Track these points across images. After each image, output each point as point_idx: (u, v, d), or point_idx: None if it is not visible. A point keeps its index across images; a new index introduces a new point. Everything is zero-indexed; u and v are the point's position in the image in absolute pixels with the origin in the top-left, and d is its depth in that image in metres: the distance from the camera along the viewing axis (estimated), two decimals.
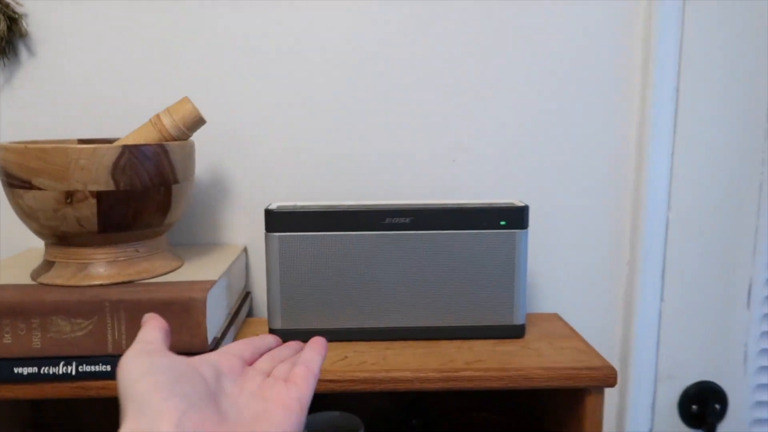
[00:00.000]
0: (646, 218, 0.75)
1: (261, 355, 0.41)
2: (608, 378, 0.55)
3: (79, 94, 0.70)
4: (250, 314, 0.74)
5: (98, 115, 0.71)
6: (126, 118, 0.68)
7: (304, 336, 0.61)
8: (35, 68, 0.70)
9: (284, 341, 0.61)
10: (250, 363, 0.39)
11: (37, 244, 0.72)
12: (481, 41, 0.72)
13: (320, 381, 0.55)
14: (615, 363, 0.78)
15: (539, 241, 0.75)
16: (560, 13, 0.71)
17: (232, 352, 0.38)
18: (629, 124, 0.74)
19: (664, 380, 0.78)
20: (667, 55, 0.72)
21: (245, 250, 0.73)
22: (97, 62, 0.70)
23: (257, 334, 0.64)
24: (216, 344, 0.55)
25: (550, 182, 0.75)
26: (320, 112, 0.72)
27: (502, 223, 0.62)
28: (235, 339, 0.63)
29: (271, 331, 0.62)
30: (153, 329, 0.36)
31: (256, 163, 0.72)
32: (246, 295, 0.72)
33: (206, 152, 0.72)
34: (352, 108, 0.72)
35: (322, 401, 0.72)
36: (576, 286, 0.77)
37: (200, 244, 0.73)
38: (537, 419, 0.73)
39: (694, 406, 0.79)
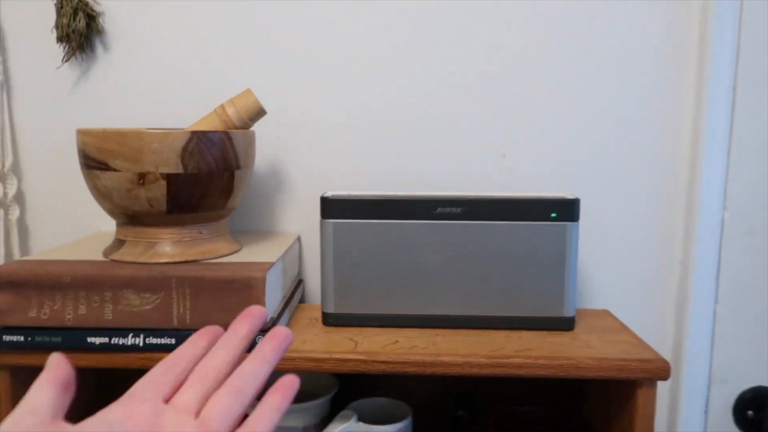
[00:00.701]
0: (700, 217, 0.74)
1: (194, 365, 0.33)
2: (661, 371, 0.55)
3: (148, 87, 0.75)
4: (302, 301, 0.77)
5: (166, 106, 0.75)
6: (191, 110, 0.71)
7: (355, 321, 0.63)
8: (109, 63, 0.74)
9: (334, 324, 0.64)
10: (173, 391, 0.31)
11: (105, 227, 0.76)
12: (533, 37, 0.72)
13: (372, 362, 0.56)
14: None
15: (589, 238, 0.75)
16: (614, 9, 0.72)
17: (145, 393, 0.30)
18: (684, 120, 0.73)
19: (718, 384, 0.77)
20: (724, 51, 0.71)
21: (299, 238, 0.76)
22: (164, 57, 0.74)
23: (309, 319, 0.66)
24: (273, 324, 0.58)
25: (601, 179, 0.74)
26: (374, 106, 0.74)
27: (553, 215, 0.62)
28: (289, 323, 0.65)
29: (324, 315, 0.64)
30: (45, 387, 0.28)
31: (311, 155, 0.75)
32: (299, 283, 0.74)
33: (263, 144, 0.75)
34: (405, 103, 0.74)
35: (371, 387, 0.73)
36: (626, 285, 0.76)
37: (256, 231, 0.76)
38: (584, 415, 0.73)
39: (749, 412, 0.77)
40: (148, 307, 0.56)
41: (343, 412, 0.64)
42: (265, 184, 0.76)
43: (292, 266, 0.71)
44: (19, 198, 0.76)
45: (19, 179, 0.76)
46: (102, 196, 0.58)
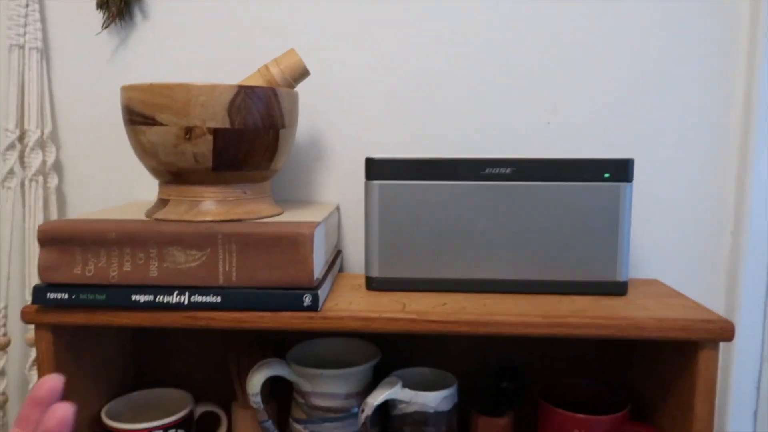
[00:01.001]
0: (753, 186, 0.71)
1: None
2: (725, 332, 0.53)
3: (187, 54, 0.74)
4: (341, 271, 0.75)
5: (206, 73, 0.74)
6: (232, 77, 0.70)
7: (400, 285, 0.62)
8: (148, 29, 0.74)
9: (378, 288, 0.62)
10: None
11: (144, 196, 0.75)
12: (583, 5, 0.71)
13: (422, 322, 0.54)
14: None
15: (638, 208, 0.73)
16: None
17: None
18: (736, 85, 0.71)
19: None
20: None
21: (338, 207, 0.74)
22: (204, 24, 0.73)
23: (352, 286, 0.65)
24: (318, 285, 0.56)
25: (650, 146, 0.72)
26: (416, 71, 0.73)
27: (606, 175, 0.60)
28: (331, 288, 0.64)
29: (368, 279, 0.62)
30: None
31: (351, 122, 0.74)
32: (338, 253, 0.73)
33: (302, 111, 0.74)
34: (447, 68, 0.72)
35: (412, 358, 0.71)
36: (676, 256, 0.73)
37: (294, 200, 0.75)
38: (633, 385, 0.70)
39: None
40: (193, 264, 0.55)
41: (388, 379, 0.62)
42: (305, 154, 0.75)
43: (333, 233, 0.70)
44: (57, 166, 0.75)
45: (58, 147, 0.75)
46: (147, 153, 0.58)
